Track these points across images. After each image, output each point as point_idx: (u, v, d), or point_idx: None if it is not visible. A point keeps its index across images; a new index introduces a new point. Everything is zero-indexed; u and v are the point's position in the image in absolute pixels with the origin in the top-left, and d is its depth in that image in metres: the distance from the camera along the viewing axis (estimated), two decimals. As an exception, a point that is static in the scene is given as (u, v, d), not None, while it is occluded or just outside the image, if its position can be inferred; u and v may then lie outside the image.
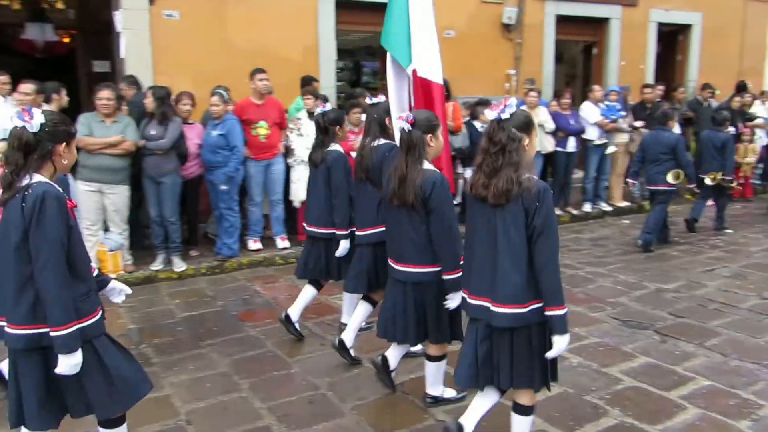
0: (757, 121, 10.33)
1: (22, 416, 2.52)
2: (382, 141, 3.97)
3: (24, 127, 2.41)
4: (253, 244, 6.96)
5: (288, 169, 7.01)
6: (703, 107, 10.28)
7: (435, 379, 3.59)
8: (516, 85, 10.06)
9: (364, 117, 5.03)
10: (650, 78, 11.41)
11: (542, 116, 8.27)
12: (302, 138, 6.86)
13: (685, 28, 12.22)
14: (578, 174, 9.32)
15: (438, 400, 3.62)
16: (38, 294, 2.39)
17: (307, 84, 7.33)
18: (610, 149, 8.92)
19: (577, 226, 8.67)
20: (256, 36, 8.03)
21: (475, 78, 9.44)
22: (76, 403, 2.56)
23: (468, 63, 9.56)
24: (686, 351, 4.35)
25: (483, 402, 2.92)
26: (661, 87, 9.93)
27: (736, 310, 5.16)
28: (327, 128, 4.38)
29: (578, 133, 8.62)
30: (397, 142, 3.45)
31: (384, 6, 4.67)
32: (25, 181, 2.40)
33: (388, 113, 4.11)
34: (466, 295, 2.86)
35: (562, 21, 10.56)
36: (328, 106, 4.50)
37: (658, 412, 3.51)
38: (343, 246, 4.33)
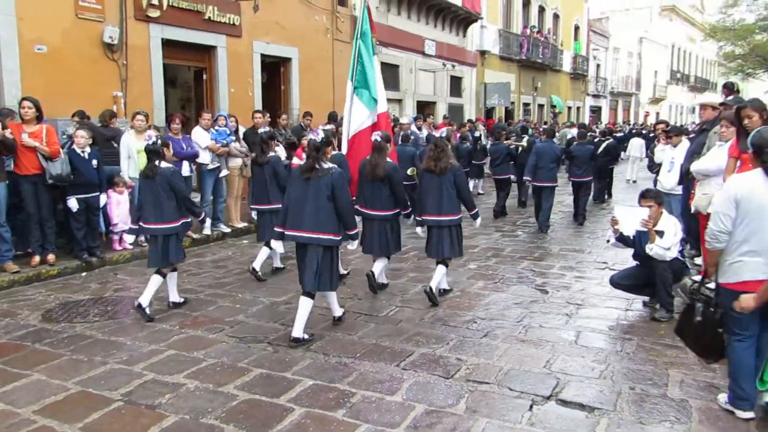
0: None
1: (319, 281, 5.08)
2: (334, 152, 5.98)
3: (314, 138, 5.11)
4: None
5: None
6: (307, 132, 11.43)
7: (382, 272, 6.56)
8: (125, 107, 9.65)
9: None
10: (259, 105, 12.23)
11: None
12: None
13: (285, 61, 13.48)
14: (195, 197, 9.38)
15: (382, 285, 6.59)
16: (341, 217, 5.01)
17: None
18: (224, 173, 9.23)
19: (198, 249, 8.76)
20: None
21: (77, 98, 8.76)
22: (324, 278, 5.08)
23: (67, 82, 8.83)
24: (295, 357, 4.74)
25: (439, 270, 6.11)
26: (268, 114, 10.65)
27: (336, 312, 5.85)
28: (267, 141, 7.11)
29: (191, 157, 8.70)
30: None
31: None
32: (326, 166, 4.99)
33: (333, 136, 6.44)
34: (426, 217, 6.10)
35: (169, 45, 10.55)
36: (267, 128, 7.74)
37: (269, 419, 3.74)
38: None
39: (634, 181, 17.44)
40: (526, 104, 28.24)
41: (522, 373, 4.40)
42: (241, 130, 10.14)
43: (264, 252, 7.19)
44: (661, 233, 5.51)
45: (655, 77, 46.77)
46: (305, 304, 5.09)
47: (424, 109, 19.14)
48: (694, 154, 6.19)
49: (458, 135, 14.64)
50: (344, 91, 14.96)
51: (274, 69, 13.47)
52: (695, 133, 7.22)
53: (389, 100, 17.36)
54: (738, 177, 3.83)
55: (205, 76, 11.75)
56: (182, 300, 6.20)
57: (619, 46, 41.46)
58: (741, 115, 5.01)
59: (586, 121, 31.36)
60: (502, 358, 4.69)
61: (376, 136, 6.26)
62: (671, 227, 5.55)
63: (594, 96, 37.98)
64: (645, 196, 5.75)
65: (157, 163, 5.75)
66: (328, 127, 7.37)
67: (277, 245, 5.35)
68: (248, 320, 5.66)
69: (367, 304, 6.11)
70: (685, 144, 7.66)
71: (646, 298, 5.97)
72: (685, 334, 4.01)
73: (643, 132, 24.18)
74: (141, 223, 5.87)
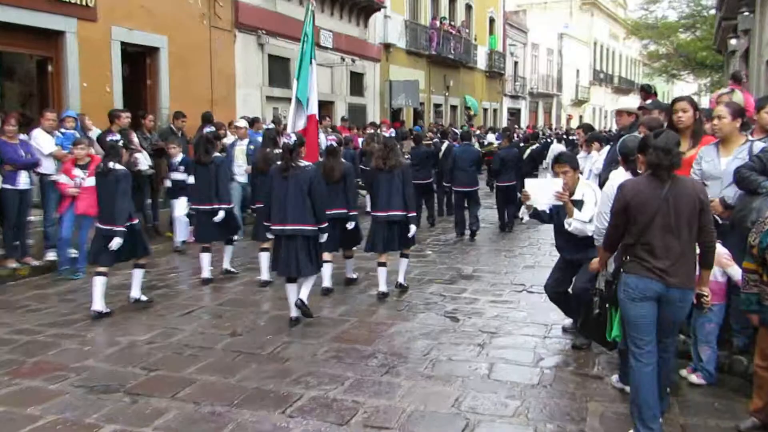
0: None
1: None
2: (277, 150, 7.50)
3: (287, 141, 6.48)
4: None
5: None
6: (178, 137, 11.14)
7: (320, 280, 7.48)
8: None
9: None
10: (119, 103, 11.81)
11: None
12: None
13: (152, 51, 13.09)
14: (36, 216, 8.97)
15: (351, 280, 8.16)
16: (314, 209, 6.36)
17: None
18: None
19: (38, 280, 8.36)
20: None
21: None
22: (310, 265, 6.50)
23: None
24: (158, 408, 4.56)
25: (382, 271, 7.51)
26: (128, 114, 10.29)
27: (212, 352, 5.71)
28: (212, 141, 8.27)
29: (31, 165, 8.32)
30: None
31: None
32: (302, 164, 6.42)
33: (278, 134, 8.52)
34: (377, 213, 7.52)
35: (3, 29, 9.99)
36: (210, 128, 8.65)
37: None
38: (221, 215, 8.10)
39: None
40: (437, 105, 28.94)
41: (427, 414, 4.45)
42: (96, 132, 9.78)
43: (206, 258, 8.21)
44: (579, 204, 5.49)
45: (577, 77, 49.42)
46: (292, 290, 6.48)
47: (321, 109, 19.10)
48: (612, 162, 6.45)
49: (359, 139, 14.88)
50: (225, 88, 15.08)
51: (139, 61, 13.06)
52: (613, 140, 7.61)
53: (277, 99, 17.45)
54: (620, 180, 4.47)
55: (50, 68, 11.17)
56: (147, 298, 7.18)
57: (538, 42, 43.51)
58: (675, 108, 5.32)
59: (504, 124, 32.49)
60: (406, 398, 4.72)
61: (328, 141, 7.74)
62: (590, 195, 5.51)
63: (512, 97, 39.55)
64: (558, 160, 5.71)
65: (111, 164, 6.72)
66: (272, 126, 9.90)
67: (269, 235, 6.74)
68: (100, 365, 5.40)
69: (248, 340, 6.02)
70: (605, 151, 8.00)
71: (568, 323, 6.19)
72: (589, 328, 4.73)
73: (566, 137, 25.28)
74: (97, 224, 6.91)
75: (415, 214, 7.82)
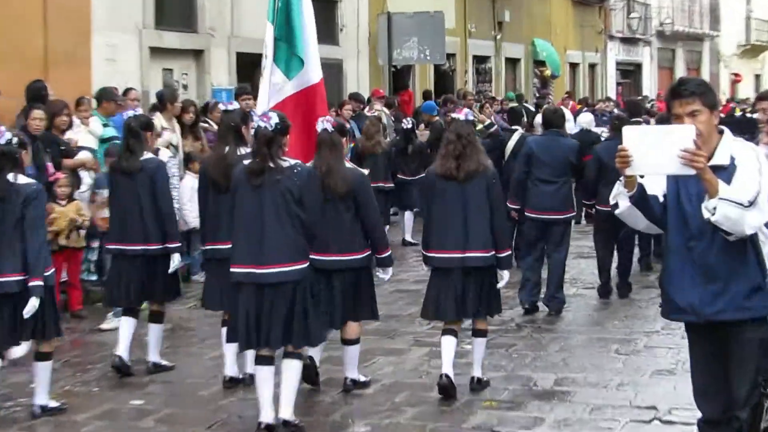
0: (81, 156, 11.47)
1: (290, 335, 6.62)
2: (246, 150, 7.80)
3: (265, 126, 6.41)
4: None
5: None
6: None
7: (355, 360, 8.27)
8: None
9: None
10: None
11: None
12: None
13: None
14: None
15: (360, 383, 8.28)
16: (307, 236, 6.62)
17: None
18: None
19: None
20: None
21: None
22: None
23: None
24: None
25: (478, 346, 8.14)
26: None
27: None
28: (138, 133, 8.54)
29: None
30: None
31: None
32: (285, 164, 6.40)
33: (244, 121, 8.37)
34: (440, 254, 7.84)
35: None
36: (138, 111, 9.98)
37: None
38: (176, 261, 8.66)
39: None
40: (480, 59, 27.97)
41: None
42: None
43: (122, 328, 8.38)
44: (725, 173, 4.79)
45: (748, 4, 48.24)
46: (291, 371, 6.63)
47: (255, 72, 17.38)
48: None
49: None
50: (72, 36, 15.04)
51: None
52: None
53: (171, 52, 18.12)
54: None
55: None
56: (57, 404, 7.31)
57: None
58: None
59: (612, 94, 31.71)
60: None
61: (324, 124, 7.50)
62: (748, 157, 4.96)
63: (624, 41, 38.73)
64: (679, 92, 5.05)
65: (11, 176, 6.80)
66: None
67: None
68: None
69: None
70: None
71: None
72: None
73: (743, 113, 24.34)
74: None
75: (509, 252, 8.09)
